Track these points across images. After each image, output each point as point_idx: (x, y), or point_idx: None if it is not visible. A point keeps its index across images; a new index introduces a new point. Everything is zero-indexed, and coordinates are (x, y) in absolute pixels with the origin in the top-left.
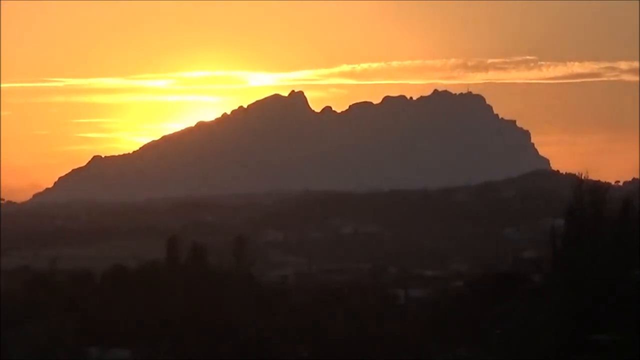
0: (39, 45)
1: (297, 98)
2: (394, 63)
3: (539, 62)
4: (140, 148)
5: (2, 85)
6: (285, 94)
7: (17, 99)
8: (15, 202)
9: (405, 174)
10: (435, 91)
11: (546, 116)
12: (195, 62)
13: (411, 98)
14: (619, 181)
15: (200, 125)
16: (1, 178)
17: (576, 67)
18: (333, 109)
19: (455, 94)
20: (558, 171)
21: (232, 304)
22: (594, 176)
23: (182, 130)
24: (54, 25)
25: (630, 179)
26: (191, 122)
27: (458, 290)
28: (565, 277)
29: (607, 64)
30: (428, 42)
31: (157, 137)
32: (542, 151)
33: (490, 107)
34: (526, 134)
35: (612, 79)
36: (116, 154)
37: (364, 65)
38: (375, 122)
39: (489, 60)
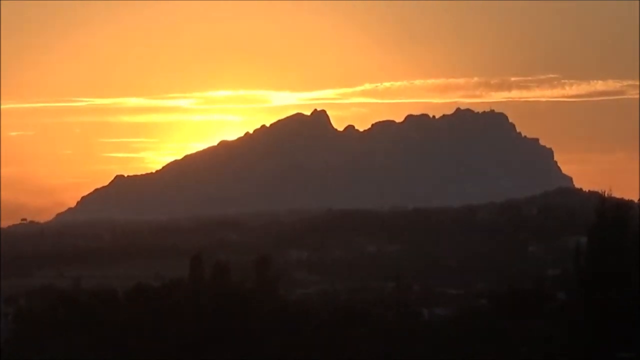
0: (63, 65)
1: (320, 117)
2: (417, 82)
3: (562, 80)
4: (163, 167)
5: (26, 106)
6: (308, 112)
7: (42, 118)
8: (38, 222)
9: (428, 192)
10: (458, 109)
11: (569, 134)
12: (219, 82)
13: (434, 116)
14: None
15: (223, 144)
16: (24, 198)
17: (599, 85)
18: (356, 127)
19: (478, 112)
20: (581, 189)
21: (256, 322)
22: (617, 194)
23: (204, 150)
24: (78, 46)
25: None
26: (214, 141)
27: (482, 308)
28: (589, 295)
29: (630, 82)
30: (451, 60)
31: (180, 156)
32: (565, 169)
33: (512, 125)
34: (549, 152)
35: (635, 96)
36: (139, 173)
37: (387, 84)
38: (398, 141)
39: (512, 79)
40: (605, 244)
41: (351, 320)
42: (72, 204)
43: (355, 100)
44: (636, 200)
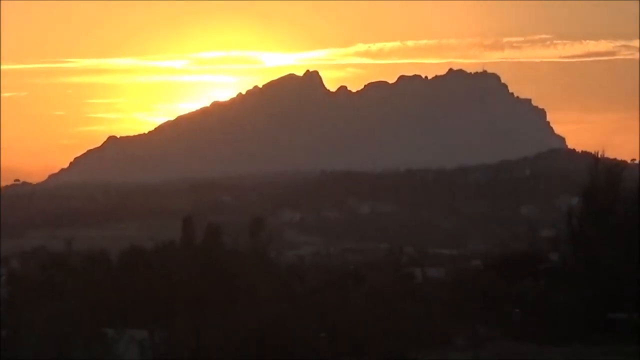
0: (54, 26)
1: (312, 78)
2: (410, 42)
3: (555, 41)
4: (155, 128)
5: (18, 67)
6: (301, 73)
7: (34, 79)
8: (30, 183)
9: (421, 153)
10: (451, 70)
11: (562, 95)
12: (211, 42)
13: (426, 77)
14: (635, 159)
15: (216, 105)
16: (17, 159)
17: (592, 46)
18: (348, 88)
19: (471, 73)
20: (574, 150)
21: (249, 284)
22: (610, 154)
23: (197, 111)
24: (69, 6)
25: None
26: (206, 103)
27: (476, 269)
28: (582, 256)
29: (622, 42)
30: (444, 21)
31: (172, 117)
32: (558, 130)
33: (505, 86)
34: (542, 113)
35: (627, 57)
36: (131, 134)
37: (380, 45)
38: (391, 102)
39: (505, 39)
40: (598, 204)
41: (345, 282)
42: (65, 165)
43: (348, 61)
44: (629, 161)
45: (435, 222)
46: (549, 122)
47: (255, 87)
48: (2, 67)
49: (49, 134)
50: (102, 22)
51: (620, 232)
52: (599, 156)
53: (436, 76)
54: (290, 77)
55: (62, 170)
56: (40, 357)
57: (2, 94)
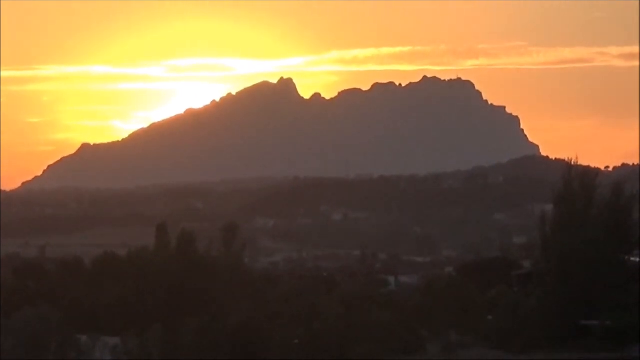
0: (29, 32)
1: (286, 85)
2: (384, 49)
3: (529, 48)
4: (129, 136)
5: None
6: (275, 80)
7: (7, 86)
8: (4, 191)
9: (395, 160)
10: (425, 77)
11: (536, 102)
12: (185, 50)
13: (400, 85)
14: (608, 167)
15: (190, 113)
16: None
17: (567, 53)
18: (322, 95)
19: (445, 80)
20: (547, 157)
21: (222, 291)
22: (583, 162)
23: (171, 118)
24: (45, 13)
25: (619, 164)
26: (180, 110)
27: (448, 276)
28: (555, 263)
29: (597, 50)
30: (418, 28)
31: (146, 124)
32: (532, 137)
33: (479, 93)
34: (516, 120)
35: (602, 64)
36: (106, 141)
37: (354, 52)
38: (365, 109)
39: (479, 46)
40: (571, 212)
41: (318, 288)
42: (39, 172)
43: (323, 68)
44: (603, 168)
45: (408, 229)
46: (523, 130)
47: (229, 94)
48: None
49: (23, 141)
50: (77, 28)
51: (593, 239)
52: (573, 163)
53: (410, 83)
54: (264, 84)
55: (36, 177)
56: None
57: None
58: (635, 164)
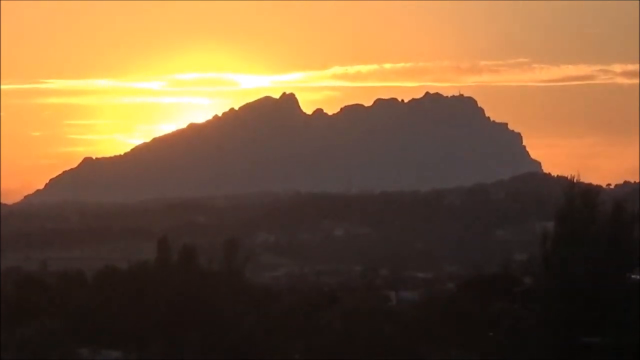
0: (33, 46)
1: (289, 100)
2: (387, 65)
3: (532, 65)
4: (131, 150)
5: None
6: (277, 96)
7: (10, 100)
8: (6, 204)
9: (397, 176)
10: (427, 94)
11: (538, 119)
12: (187, 64)
13: (403, 101)
14: (610, 184)
15: (192, 127)
16: None
17: (570, 70)
18: (324, 111)
19: (447, 96)
20: (549, 174)
21: (223, 305)
22: (585, 179)
23: (173, 132)
24: (48, 27)
25: (621, 181)
26: (183, 124)
27: (449, 292)
28: (556, 280)
29: (600, 67)
30: (421, 44)
31: (148, 139)
32: (534, 154)
33: (482, 110)
34: (518, 137)
35: (605, 81)
36: (108, 155)
37: (357, 68)
38: (367, 125)
39: (482, 63)
40: (572, 229)
41: (319, 304)
42: (41, 186)
43: (325, 84)
44: (605, 185)
45: (410, 245)
46: (524, 146)
47: (232, 109)
48: None
49: (25, 155)
50: (80, 43)
51: (595, 256)
52: (574, 180)
53: (413, 99)
54: (267, 100)
55: (38, 190)
56: None
57: None
58: (637, 181)
